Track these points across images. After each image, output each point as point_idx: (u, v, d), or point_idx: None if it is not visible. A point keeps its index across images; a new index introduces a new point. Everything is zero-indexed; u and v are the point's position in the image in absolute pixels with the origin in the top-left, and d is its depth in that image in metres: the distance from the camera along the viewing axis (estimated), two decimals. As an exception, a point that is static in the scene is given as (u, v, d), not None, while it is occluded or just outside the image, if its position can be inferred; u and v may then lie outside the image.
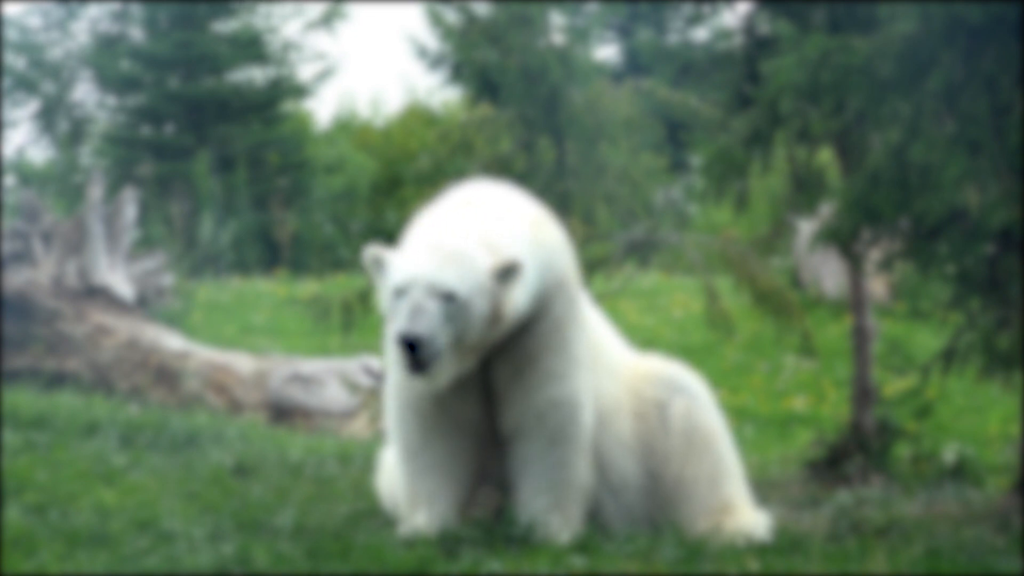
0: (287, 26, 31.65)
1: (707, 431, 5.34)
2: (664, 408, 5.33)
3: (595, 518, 5.21)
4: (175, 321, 12.24)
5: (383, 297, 4.95)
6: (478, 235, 4.87)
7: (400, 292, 4.80)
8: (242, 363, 10.53)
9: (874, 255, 5.97)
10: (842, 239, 5.73)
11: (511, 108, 8.48)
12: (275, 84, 26.58)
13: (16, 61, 28.85)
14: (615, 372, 5.35)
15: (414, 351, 4.74)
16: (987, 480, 7.17)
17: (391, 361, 5.19)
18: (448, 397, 5.05)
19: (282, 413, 10.17)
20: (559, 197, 8.22)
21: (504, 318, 4.86)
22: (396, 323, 4.79)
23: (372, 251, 4.94)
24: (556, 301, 5.05)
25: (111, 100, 27.50)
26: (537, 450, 5.05)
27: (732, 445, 5.41)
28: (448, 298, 4.77)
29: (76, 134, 28.51)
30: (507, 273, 4.83)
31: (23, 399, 8.07)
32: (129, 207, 12.11)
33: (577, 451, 5.10)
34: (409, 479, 5.15)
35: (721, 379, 11.83)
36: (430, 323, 4.74)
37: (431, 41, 27.24)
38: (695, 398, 5.38)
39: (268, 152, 25.49)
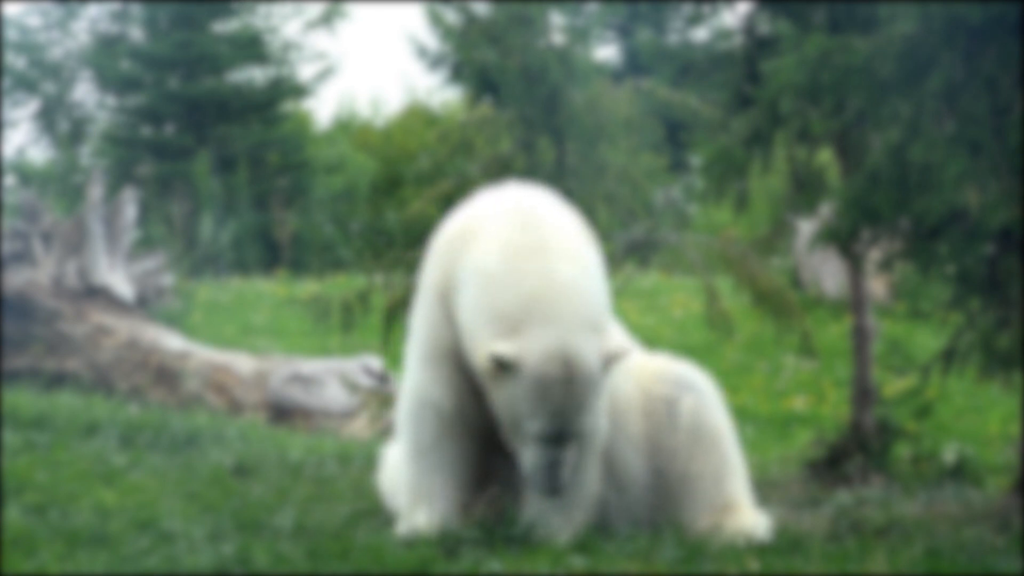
0: (287, 26, 31.67)
1: (714, 429, 5.36)
2: (673, 405, 5.36)
3: (598, 516, 5.22)
4: (175, 321, 12.25)
5: (513, 395, 4.86)
6: (588, 320, 4.87)
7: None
8: (242, 363, 10.54)
9: (874, 255, 5.97)
10: (842, 239, 5.73)
11: (511, 108, 8.47)
12: (275, 84, 26.59)
13: (16, 61, 28.87)
14: (627, 371, 5.36)
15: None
16: (987, 480, 7.17)
17: (413, 360, 5.17)
18: (467, 398, 5.06)
19: (282, 413, 10.17)
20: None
21: None
22: (540, 477, 4.90)
23: (497, 354, 4.80)
24: None
25: (111, 100, 27.53)
26: None
27: (737, 444, 5.43)
28: None
29: (76, 134, 28.53)
30: (611, 363, 4.94)
31: (23, 399, 8.07)
32: (129, 207, 12.11)
33: (590, 456, 5.10)
34: (414, 478, 5.14)
35: (721, 379, 11.77)
36: (571, 468, 4.95)
37: (431, 41, 27.27)
38: (704, 396, 5.41)
39: (268, 152, 25.50)
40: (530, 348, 4.79)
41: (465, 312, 4.94)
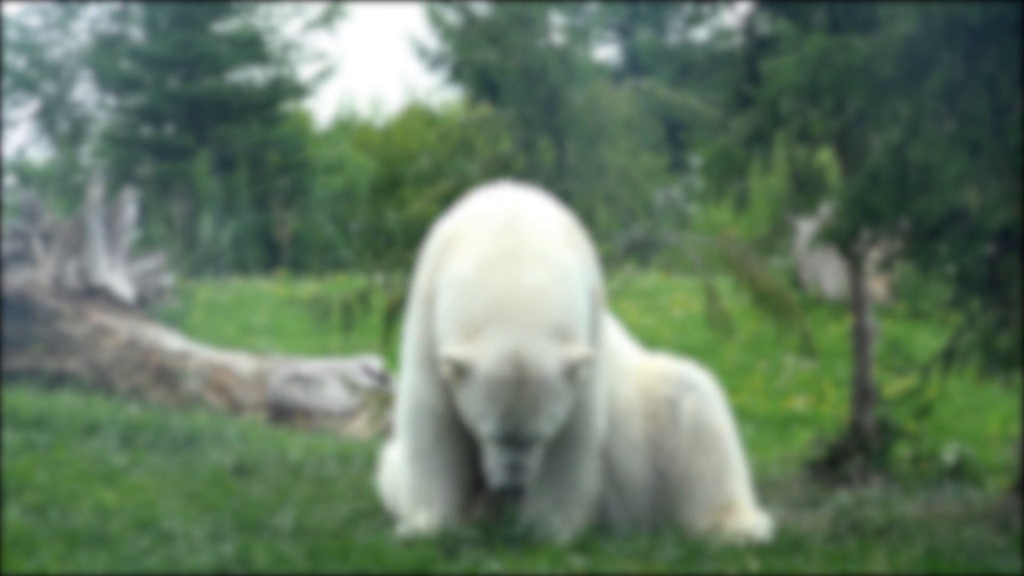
0: (287, 26, 31.69)
1: (715, 428, 5.37)
2: (674, 405, 5.36)
3: (598, 516, 5.22)
4: (175, 321, 12.25)
5: (469, 397, 4.88)
6: (551, 326, 4.83)
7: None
8: (242, 363, 10.54)
9: (874, 255, 5.97)
10: (842, 239, 5.73)
11: (511, 108, 8.47)
12: (275, 84, 26.59)
13: (16, 61, 28.88)
14: (627, 373, 5.37)
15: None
16: (987, 480, 7.17)
17: (408, 365, 5.18)
18: None
19: (282, 413, 10.17)
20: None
21: None
22: (497, 475, 4.88)
23: (452, 358, 4.83)
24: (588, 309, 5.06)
25: (111, 100, 27.53)
26: (547, 452, 5.05)
27: (739, 445, 5.44)
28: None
29: (76, 134, 28.53)
30: (576, 370, 4.87)
31: (23, 399, 8.07)
32: (129, 207, 12.12)
33: (587, 456, 5.11)
34: (415, 480, 5.15)
35: (721, 379, 11.78)
36: (534, 470, 4.90)
37: (431, 41, 27.29)
38: (705, 396, 5.42)
39: (268, 152, 25.51)
40: (484, 351, 4.81)
41: (438, 320, 4.97)
